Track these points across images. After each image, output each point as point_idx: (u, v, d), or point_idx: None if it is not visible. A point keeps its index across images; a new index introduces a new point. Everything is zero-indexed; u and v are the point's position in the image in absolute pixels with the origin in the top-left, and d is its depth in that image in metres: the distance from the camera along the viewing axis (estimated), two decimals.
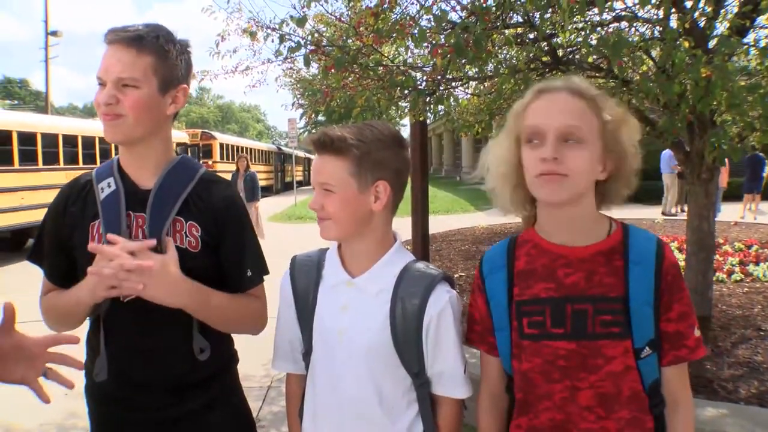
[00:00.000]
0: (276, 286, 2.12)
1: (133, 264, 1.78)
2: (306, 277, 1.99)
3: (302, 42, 4.50)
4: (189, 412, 2.09)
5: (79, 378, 1.98)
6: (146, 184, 2.05)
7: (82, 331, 2.01)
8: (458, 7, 4.18)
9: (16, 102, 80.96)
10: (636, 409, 1.67)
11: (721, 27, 4.34)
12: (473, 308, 1.91)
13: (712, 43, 4.01)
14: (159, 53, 1.94)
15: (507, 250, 1.84)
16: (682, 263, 6.83)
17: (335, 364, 1.90)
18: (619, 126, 1.66)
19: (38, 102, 77.70)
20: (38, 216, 15.54)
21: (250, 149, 39.82)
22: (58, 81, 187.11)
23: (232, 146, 35.87)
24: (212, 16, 6.01)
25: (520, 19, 3.85)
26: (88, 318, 2.09)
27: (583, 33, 3.87)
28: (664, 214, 17.09)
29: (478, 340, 1.89)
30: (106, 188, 2.05)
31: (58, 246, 2.05)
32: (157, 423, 2.07)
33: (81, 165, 17.92)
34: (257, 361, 5.66)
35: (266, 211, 25.18)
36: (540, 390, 1.72)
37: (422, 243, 8.86)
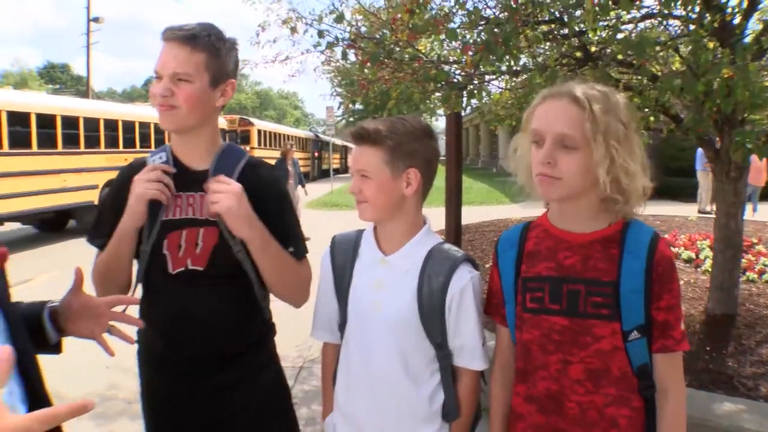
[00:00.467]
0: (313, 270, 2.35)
1: (221, 178, 2.10)
2: (344, 255, 2.19)
3: (339, 37, 4.69)
4: (233, 380, 2.27)
5: (127, 351, 2.19)
6: (196, 166, 2.24)
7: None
8: (492, 3, 4.28)
9: (58, 86, 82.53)
10: (624, 388, 1.81)
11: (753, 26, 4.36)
12: (491, 282, 2.09)
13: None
14: (211, 51, 2.12)
15: (521, 232, 2.01)
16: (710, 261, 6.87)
17: (367, 335, 2.10)
18: (624, 139, 1.74)
19: (79, 87, 78.90)
20: (80, 197, 16.05)
21: (288, 136, 39.98)
22: (97, 66, 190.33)
23: (270, 132, 36.16)
24: (252, 6, 6.18)
25: (551, 17, 3.94)
26: (139, 288, 2.29)
27: (611, 30, 3.93)
28: (700, 212, 16.90)
29: (494, 311, 2.07)
30: (158, 161, 2.25)
31: (116, 222, 2.21)
32: (203, 390, 2.25)
33: (121, 149, 18.35)
34: (290, 342, 5.89)
35: (302, 198, 25.54)
36: (537, 361, 1.88)
37: (455, 233, 8.97)
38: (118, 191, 2.27)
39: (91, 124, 17.15)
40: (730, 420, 3.75)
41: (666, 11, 3.95)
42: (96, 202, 16.58)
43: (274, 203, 2.28)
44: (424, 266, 2.05)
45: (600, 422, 1.82)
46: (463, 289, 2.02)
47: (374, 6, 6.32)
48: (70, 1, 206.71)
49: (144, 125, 19.72)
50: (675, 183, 20.68)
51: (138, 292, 2.31)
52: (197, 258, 2.18)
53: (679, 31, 4.16)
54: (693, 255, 8.76)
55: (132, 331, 1.97)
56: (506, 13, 3.64)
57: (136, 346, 2.35)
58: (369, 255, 2.15)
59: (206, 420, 2.28)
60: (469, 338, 2.06)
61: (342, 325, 2.21)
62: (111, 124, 18.09)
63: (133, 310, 2.07)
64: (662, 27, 4.69)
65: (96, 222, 2.38)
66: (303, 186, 15.75)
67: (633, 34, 4.34)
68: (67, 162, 15.67)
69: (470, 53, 3.73)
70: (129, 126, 18.91)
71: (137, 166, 2.28)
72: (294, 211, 2.42)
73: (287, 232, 2.29)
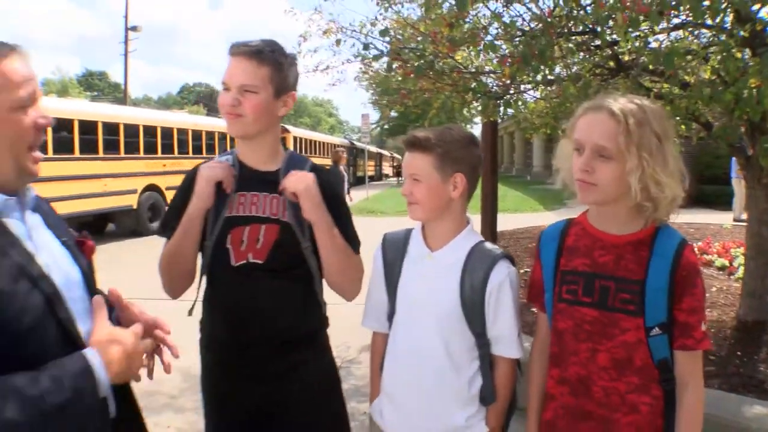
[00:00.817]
0: None
1: (301, 173, 2.38)
2: (394, 251, 2.42)
3: (383, 51, 4.92)
4: (290, 365, 2.47)
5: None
6: (260, 168, 2.48)
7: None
8: (527, 16, 4.45)
9: (96, 93, 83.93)
10: (645, 378, 1.99)
11: None
12: (533, 273, 2.30)
13: None
14: (275, 65, 2.34)
15: (562, 228, 2.21)
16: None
17: (414, 324, 2.31)
18: (656, 151, 1.90)
19: (116, 94, 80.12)
20: (120, 201, 16.46)
21: (323, 143, 40.07)
22: (133, 73, 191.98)
23: (306, 140, 36.25)
24: (294, 17, 6.40)
25: (584, 29, 4.08)
26: (203, 281, 2.52)
27: (642, 41, 4.06)
28: (735, 220, 16.74)
29: (534, 298, 2.28)
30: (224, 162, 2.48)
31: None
32: (262, 375, 2.45)
33: (160, 154, 18.73)
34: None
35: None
36: (570, 347, 2.08)
37: (491, 239, 9.11)
38: (186, 189, 2.50)
39: (131, 130, 17.61)
40: (759, 423, 3.82)
41: (697, 22, 4.08)
42: (135, 207, 17.17)
43: (334, 203, 2.49)
44: (467, 262, 2.25)
45: (622, 407, 2.00)
46: (502, 283, 2.22)
47: (411, 18, 6.50)
48: (108, 10, 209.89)
49: (182, 132, 20.13)
50: (710, 191, 20.45)
51: (202, 285, 2.54)
52: (258, 252, 2.39)
53: (709, 41, 4.25)
54: (726, 263, 8.73)
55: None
56: (541, 26, 3.81)
57: (196, 336, 2.60)
58: (417, 251, 2.36)
59: (264, 402, 2.47)
60: (506, 328, 2.25)
61: (390, 316, 2.42)
62: (150, 131, 18.54)
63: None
64: (692, 37, 4.80)
65: (166, 216, 2.60)
66: (348, 192, 15.99)
67: (664, 44, 4.46)
68: (108, 167, 16.11)
69: (507, 64, 3.91)
70: (167, 132, 19.35)
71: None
72: (349, 211, 2.65)
73: (345, 230, 2.50)
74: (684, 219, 15.76)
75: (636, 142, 1.87)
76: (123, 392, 1.76)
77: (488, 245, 2.33)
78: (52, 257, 1.66)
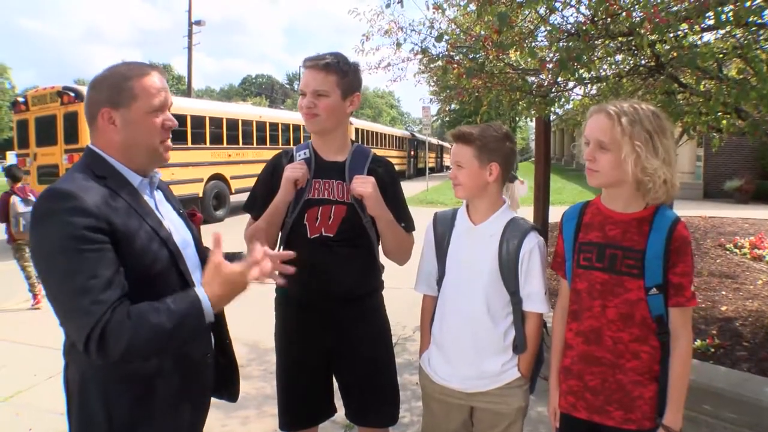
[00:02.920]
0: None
1: (365, 176, 2.91)
2: (443, 226, 2.94)
3: (439, 54, 5.36)
4: (353, 317, 3.06)
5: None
6: (331, 158, 3.05)
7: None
8: (571, 20, 4.78)
9: None
10: (645, 330, 2.45)
11: None
12: (557, 246, 2.76)
13: None
14: (340, 73, 2.91)
15: (581, 208, 2.68)
16: None
17: (460, 284, 2.82)
18: (646, 142, 2.32)
19: (179, 86, 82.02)
20: (186, 190, 17.17)
21: (384, 134, 40.14)
22: (195, 65, 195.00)
23: (367, 131, 36.47)
24: (357, 18, 6.78)
25: (623, 29, 4.35)
26: (282, 247, 3.07)
27: (677, 41, 4.30)
28: None
29: (557, 267, 2.75)
30: (302, 155, 3.06)
31: (268, 195, 3.02)
32: (329, 324, 3.04)
33: (225, 144, 19.42)
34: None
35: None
36: (585, 304, 2.55)
37: (542, 228, 9.40)
38: (269, 173, 3.12)
39: (198, 121, 18.35)
40: None
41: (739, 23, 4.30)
42: (201, 195, 18.00)
43: (392, 188, 3.08)
44: (504, 232, 2.75)
45: (626, 353, 2.47)
46: (532, 250, 2.72)
47: (463, 20, 6.84)
48: (170, 4, 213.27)
49: (247, 123, 20.75)
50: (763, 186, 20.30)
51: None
52: (329, 227, 2.97)
53: (740, 42, 4.46)
54: None
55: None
56: (577, 33, 4.14)
57: (266, 313, 3.21)
58: (463, 224, 2.87)
59: (328, 347, 3.07)
60: (536, 287, 2.74)
61: (439, 280, 2.92)
62: (216, 122, 19.25)
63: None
64: (726, 36, 5.02)
65: (251, 196, 3.22)
66: None
67: (698, 44, 4.70)
68: (176, 157, 16.58)
69: (548, 67, 4.30)
70: (233, 123, 20.04)
71: (283, 155, 3.14)
72: (404, 195, 3.21)
73: (399, 210, 3.07)
74: (741, 214, 15.76)
75: (628, 135, 2.32)
76: (222, 343, 2.47)
77: (521, 220, 2.82)
78: (173, 224, 2.29)
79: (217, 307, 2.01)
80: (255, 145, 20.99)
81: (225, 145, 19.58)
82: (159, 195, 2.35)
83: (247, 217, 3.21)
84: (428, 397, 2.98)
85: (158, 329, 1.87)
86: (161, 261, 2.10)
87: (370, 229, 2.99)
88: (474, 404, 2.84)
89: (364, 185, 2.84)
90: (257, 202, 3.11)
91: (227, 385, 2.56)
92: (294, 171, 2.90)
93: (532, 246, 2.72)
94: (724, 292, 7.27)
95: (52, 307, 1.92)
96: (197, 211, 2.62)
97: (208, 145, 18.81)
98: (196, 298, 1.97)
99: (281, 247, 3.08)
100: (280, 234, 3.05)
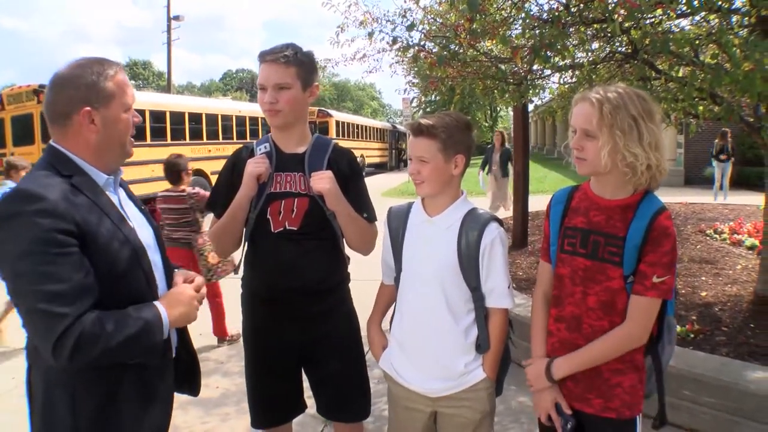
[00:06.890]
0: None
1: (323, 172, 2.86)
2: (397, 220, 2.83)
3: (410, 43, 5.31)
4: (319, 311, 3.01)
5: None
6: (291, 150, 3.00)
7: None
8: (545, 7, 4.75)
9: (139, 82, 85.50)
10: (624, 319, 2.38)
11: None
12: (544, 229, 2.70)
13: None
14: (299, 64, 2.86)
15: (569, 192, 2.62)
16: None
17: (417, 279, 2.71)
18: (629, 129, 2.26)
19: (159, 82, 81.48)
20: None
21: (365, 126, 40.02)
22: (176, 61, 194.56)
23: (348, 123, 36.43)
24: (331, 9, 6.72)
25: (597, 16, 4.32)
26: (246, 243, 3.04)
27: (651, 27, 4.27)
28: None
29: (543, 252, 2.68)
30: (263, 149, 3.02)
31: (230, 192, 2.97)
32: (296, 319, 2.99)
33: (205, 140, 19.32)
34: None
35: (379, 187, 25.78)
36: (567, 290, 2.49)
37: (522, 218, 9.36)
38: (229, 170, 3.07)
39: (177, 117, 18.25)
40: (757, 384, 4.14)
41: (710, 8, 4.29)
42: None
43: (353, 179, 3.03)
44: (462, 224, 2.63)
45: None
46: (493, 241, 2.60)
47: (438, 9, 6.81)
48: (152, 2, 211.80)
49: (226, 118, 20.66)
50: (752, 173, 20.35)
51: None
52: (293, 220, 2.92)
53: (713, 28, 4.45)
54: (756, 242, 8.82)
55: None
56: (550, 18, 4.11)
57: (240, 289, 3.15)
58: (418, 217, 2.76)
59: (297, 342, 3.03)
60: (498, 281, 2.62)
61: (397, 277, 2.84)
62: (195, 118, 19.15)
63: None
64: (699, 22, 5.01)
65: (213, 194, 3.17)
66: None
67: (674, 30, 4.68)
68: (155, 153, 16.48)
69: (519, 54, 4.27)
70: (212, 119, 19.95)
71: (243, 150, 3.10)
72: (365, 185, 3.17)
73: (361, 202, 3.03)
74: (741, 199, 15.80)
75: (608, 123, 2.27)
76: (183, 340, 2.47)
77: (480, 210, 2.70)
78: (136, 221, 2.26)
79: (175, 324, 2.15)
80: (235, 140, 20.84)
81: (205, 140, 19.49)
82: (122, 193, 2.32)
83: None
84: (393, 401, 2.89)
85: (129, 337, 1.92)
86: (126, 258, 2.08)
87: (334, 221, 2.94)
88: (438, 409, 2.73)
89: (322, 181, 2.81)
90: (219, 199, 3.06)
91: (189, 380, 2.54)
92: (257, 166, 2.86)
93: (493, 237, 2.60)
94: (704, 278, 7.27)
95: (17, 308, 1.90)
96: (155, 208, 2.62)
97: (187, 141, 18.70)
98: (156, 311, 2.07)
99: (246, 243, 3.05)
100: (244, 230, 3.00)
